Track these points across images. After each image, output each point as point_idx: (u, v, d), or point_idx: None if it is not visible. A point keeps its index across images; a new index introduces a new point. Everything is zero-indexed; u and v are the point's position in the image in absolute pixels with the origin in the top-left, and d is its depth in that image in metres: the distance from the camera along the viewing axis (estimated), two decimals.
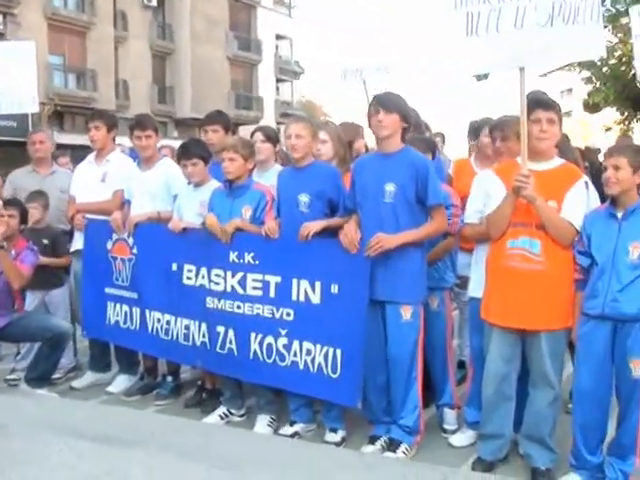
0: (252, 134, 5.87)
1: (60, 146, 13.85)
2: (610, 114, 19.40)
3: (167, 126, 38.47)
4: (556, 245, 4.07)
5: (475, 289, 4.61)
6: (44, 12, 30.92)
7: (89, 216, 6.05)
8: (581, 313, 4.09)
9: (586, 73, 16.72)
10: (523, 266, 4.09)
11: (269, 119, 41.54)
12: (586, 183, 4.18)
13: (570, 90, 50.75)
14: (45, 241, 6.25)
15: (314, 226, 4.66)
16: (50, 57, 31.26)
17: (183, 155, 5.44)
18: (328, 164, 5.08)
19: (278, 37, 48.56)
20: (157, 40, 37.99)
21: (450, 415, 5.05)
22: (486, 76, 17.25)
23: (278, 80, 49.39)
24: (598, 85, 15.72)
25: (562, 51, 4.01)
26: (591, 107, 17.24)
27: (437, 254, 4.93)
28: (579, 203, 4.11)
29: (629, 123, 18.93)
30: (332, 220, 4.76)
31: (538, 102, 4.13)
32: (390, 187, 4.43)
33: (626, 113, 18.47)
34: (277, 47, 48.93)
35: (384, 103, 4.45)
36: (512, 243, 4.14)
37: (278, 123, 41.33)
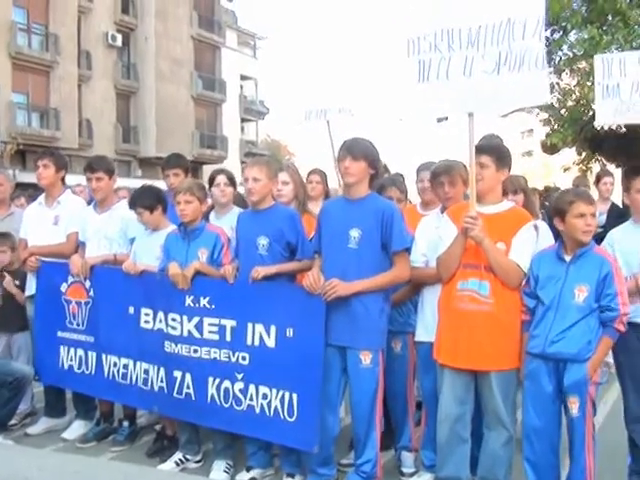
0: (213, 176, 5.87)
1: (22, 185, 13.77)
2: (570, 154, 19.77)
3: (131, 165, 38.43)
4: (505, 287, 4.14)
5: (421, 334, 4.69)
6: (8, 51, 30.74)
7: (43, 259, 5.98)
8: (526, 352, 4.16)
9: (545, 115, 17.04)
10: (472, 307, 4.16)
11: (233, 158, 41.71)
12: (535, 226, 4.27)
13: (531, 131, 51.80)
14: (17, 282, 6.21)
15: (264, 270, 4.68)
16: (14, 95, 31.18)
17: (131, 205, 5.45)
18: (287, 207, 5.11)
19: (243, 77, 49.00)
20: (121, 79, 38.00)
21: (408, 458, 5.06)
22: (446, 118, 17.56)
23: (243, 120, 49.69)
24: (556, 127, 16.04)
25: (509, 97, 4.11)
26: (549, 148, 17.57)
27: (402, 297, 4.94)
28: (527, 245, 4.18)
29: (587, 163, 19.28)
30: (284, 266, 4.79)
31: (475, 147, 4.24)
32: (355, 233, 4.46)
33: (584, 154, 18.85)
34: (242, 87, 49.32)
35: (352, 150, 4.50)
36: (462, 284, 4.21)
37: (243, 162, 41.47)
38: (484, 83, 4.07)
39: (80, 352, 5.77)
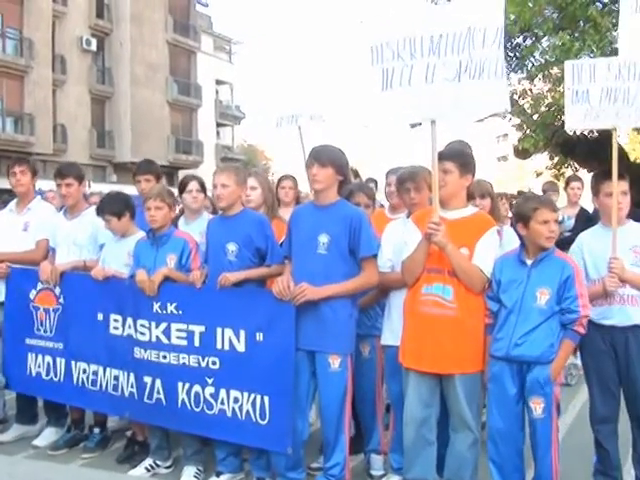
0: (185, 182, 5.88)
1: None
2: (545, 159, 19.90)
3: (106, 170, 38.28)
4: (468, 291, 4.20)
5: (388, 337, 4.74)
6: None
7: (13, 265, 5.95)
8: (489, 355, 4.23)
9: (517, 120, 17.15)
10: (436, 312, 4.21)
11: (209, 163, 41.60)
12: (498, 231, 4.33)
13: (506, 135, 52.14)
14: None
15: (233, 277, 4.72)
16: None
17: (99, 212, 5.46)
18: (256, 212, 5.14)
19: (218, 82, 48.96)
20: (96, 84, 37.92)
21: (377, 461, 5.10)
22: (420, 123, 17.65)
23: (219, 125, 49.62)
24: (528, 132, 16.14)
25: (470, 105, 4.18)
26: (521, 153, 17.68)
27: (369, 301, 4.98)
28: (490, 250, 4.25)
29: (560, 168, 19.42)
30: (252, 271, 4.82)
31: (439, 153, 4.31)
32: (324, 238, 4.51)
33: (556, 159, 18.98)
34: (217, 92, 49.26)
35: (318, 157, 4.55)
36: (426, 289, 4.26)
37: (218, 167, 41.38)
38: (445, 91, 4.14)
39: (48, 359, 5.75)
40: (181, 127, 42.52)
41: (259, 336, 4.64)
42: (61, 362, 5.67)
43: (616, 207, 4.40)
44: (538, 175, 20.19)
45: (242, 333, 4.70)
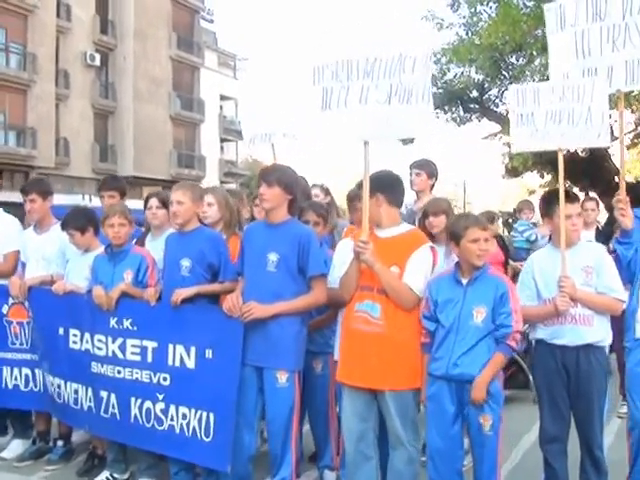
0: (147, 200, 5.98)
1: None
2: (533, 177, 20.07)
3: None
4: (398, 308, 4.24)
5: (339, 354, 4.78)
6: None
7: None
8: (427, 374, 4.27)
9: (508, 138, 17.29)
10: (364, 328, 4.27)
11: (212, 178, 41.78)
12: (431, 248, 4.38)
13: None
14: None
15: (184, 292, 4.80)
16: None
17: (63, 226, 5.56)
18: (211, 229, 5.23)
19: (223, 97, 49.15)
20: (99, 99, 38.16)
21: (330, 477, 5.17)
22: (412, 140, 17.78)
23: (223, 140, 49.78)
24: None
25: (398, 127, 4.31)
26: (511, 171, 17.83)
27: (323, 322, 5.07)
28: (420, 268, 4.29)
29: (554, 186, 19.53)
30: (204, 287, 4.91)
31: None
32: (273, 257, 4.59)
33: (549, 176, 19.08)
34: (221, 107, 49.46)
35: (266, 177, 4.65)
36: (358, 306, 4.33)
37: (222, 182, 41.55)
38: (377, 112, 4.27)
39: (26, 370, 5.88)
40: (184, 142, 42.75)
41: (208, 353, 4.72)
42: (39, 373, 5.79)
43: (563, 227, 4.45)
44: (531, 193, 20.29)
45: (192, 349, 4.78)
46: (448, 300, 4.24)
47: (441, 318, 4.25)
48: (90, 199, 22.46)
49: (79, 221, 5.51)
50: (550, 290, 4.48)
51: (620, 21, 4.65)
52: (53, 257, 5.88)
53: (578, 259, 4.49)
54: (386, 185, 4.43)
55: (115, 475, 5.33)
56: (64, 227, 5.54)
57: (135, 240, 5.80)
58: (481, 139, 20.87)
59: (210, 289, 4.92)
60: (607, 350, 4.64)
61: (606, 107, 4.50)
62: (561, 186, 4.52)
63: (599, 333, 4.46)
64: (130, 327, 5.03)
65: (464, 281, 4.26)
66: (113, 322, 5.09)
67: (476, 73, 17.43)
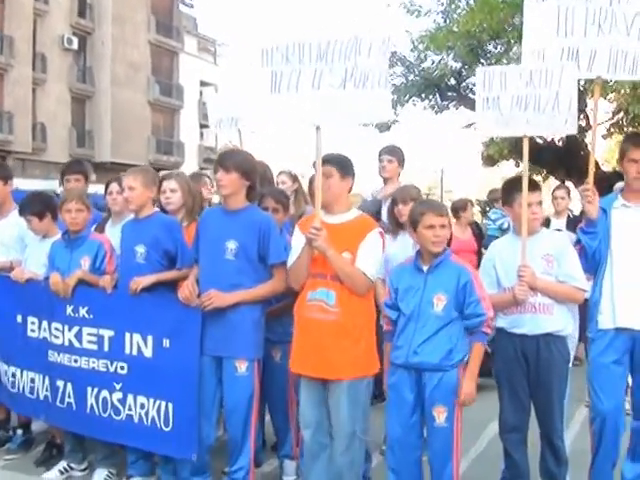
0: (107, 185, 5.87)
1: None
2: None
3: None
4: (352, 295, 4.18)
5: None
6: None
7: None
8: (390, 363, 4.23)
9: None
10: (319, 317, 4.20)
11: (191, 164, 41.51)
12: (380, 232, 4.32)
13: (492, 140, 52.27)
14: None
15: (144, 280, 4.71)
16: None
17: (21, 212, 5.46)
18: (166, 215, 5.15)
19: (203, 83, 48.76)
20: (77, 83, 37.72)
21: (290, 466, 5.11)
22: (388, 128, 17.73)
23: (202, 126, 49.37)
24: (493, 139, 16.24)
25: (353, 112, 4.22)
26: (487, 160, 17.80)
27: (282, 309, 4.97)
28: (372, 252, 4.23)
29: (530, 175, 19.55)
30: (162, 275, 4.82)
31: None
32: (231, 245, 4.50)
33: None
34: (201, 93, 49.04)
35: (223, 162, 4.55)
36: (311, 294, 4.26)
37: (201, 168, 41.27)
38: (331, 97, 4.18)
39: None
40: (162, 128, 42.45)
41: (166, 342, 4.65)
42: None
43: (525, 215, 4.39)
44: None
45: (150, 338, 4.70)
46: (409, 288, 4.20)
47: (402, 306, 4.21)
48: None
49: (36, 206, 5.40)
50: (510, 279, 4.43)
51: (607, 6, 4.46)
52: (12, 243, 5.76)
53: (539, 247, 4.45)
54: (341, 161, 4.38)
55: (72, 465, 5.25)
56: (21, 213, 5.44)
57: (95, 225, 5.71)
58: (461, 128, 20.85)
59: (169, 276, 4.83)
60: (571, 339, 4.60)
61: (574, 93, 4.39)
62: (525, 174, 4.47)
63: (559, 322, 4.42)
64: (86, 315, 4.94)
65: (424, 268, 4.20)
66: (69, 310, 4.99)
67: (454, 61, 17.35)
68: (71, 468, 5.25)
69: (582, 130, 15.94)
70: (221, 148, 49.53)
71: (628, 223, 4.46)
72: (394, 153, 6.45)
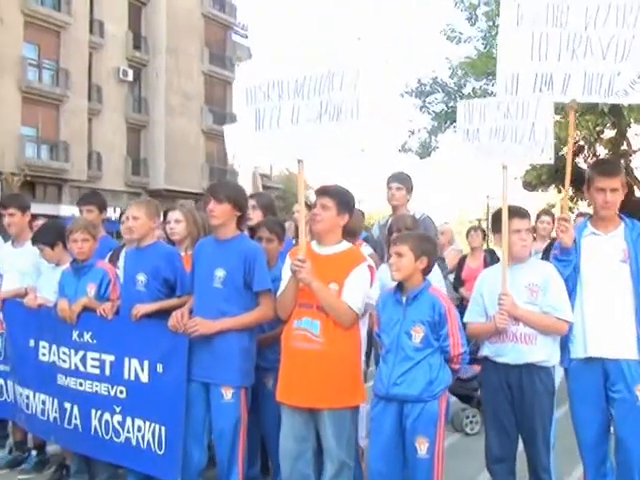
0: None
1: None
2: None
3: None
4: (337, 326, 4.23)
5: None
6: (18, 85, 31.65)
7: None
8: (374, 394, 4.27)
9: None
10: (304, 346, 4.26)
11: (246, 191, 41.86)
12: (369, 266, 4.37)
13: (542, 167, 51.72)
14: None
15: (144, 308, 4.87)
16: (23, 128, 32.04)
17: (33, 241, 5.69)
18: (167, 245, 5.32)
19: None
20: (132, 113, 38.75)
21: None
22: (429, 154, 17.76)
23: None
24: (532, 165, 16.13)
25: (330, 145, 4.34)
26: (528, 185, 17.62)
27: (273, 338, 5.00)
28: (359, 286, 4.28)
29: (576, 201, 19.29)
30: (164, 302, 4.96)
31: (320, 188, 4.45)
32: (220, 272, 4.63)
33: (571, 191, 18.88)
34: None
35: (215, 193, 4.69)
36: (297, 324, 4.33)
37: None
38: (309, 131, 4.30)
39: (0, 381, 6.03)
40: (216, 156, 43.06)
41: (159, 367, 4.81)
42: (10, 383, 5.92)
43: (506, 243, 4.41)
44: (551, 207, 20.06)
45: (146, 363, 4.87)
46: (389, 319, 4.25)
47: (383, 338, 4.26)
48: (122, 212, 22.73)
49: (48, 236, 5.64)
50: (494, 307, 4.41)
51: (582, 32, 4.47)
52: (28, 270, 6.00)
53: (524, 276, 4.42)
54: (342, 197, 4.44)
55: None
56: (34, 242, 5.68)
57: (111, 252, 5.91)
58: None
59: (170, 304, 4.96)
60: (555, 370, 4.54)
61: (550, 123, 4.42)
62: (504, 202, 4.46)
63: (542, 353, 4.34)
64: (90, 340, 5.13)
65: (403, 299, 4.24)
66: (75, 335, 5.19)
67: (493, 87, 17.32)
68: None
69: (626, 155, 15.72)
70: (276, 175, 49.84)
71: (597, 251, 4.44)
72: (403, 181, 6.48)
